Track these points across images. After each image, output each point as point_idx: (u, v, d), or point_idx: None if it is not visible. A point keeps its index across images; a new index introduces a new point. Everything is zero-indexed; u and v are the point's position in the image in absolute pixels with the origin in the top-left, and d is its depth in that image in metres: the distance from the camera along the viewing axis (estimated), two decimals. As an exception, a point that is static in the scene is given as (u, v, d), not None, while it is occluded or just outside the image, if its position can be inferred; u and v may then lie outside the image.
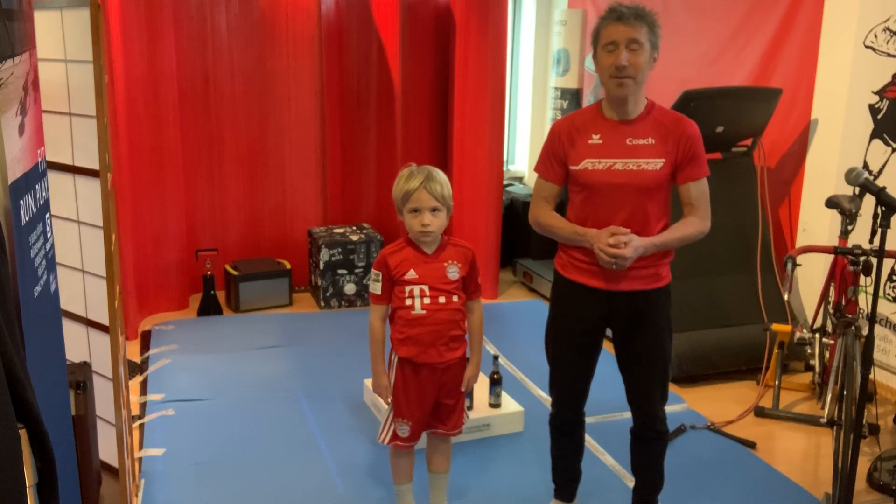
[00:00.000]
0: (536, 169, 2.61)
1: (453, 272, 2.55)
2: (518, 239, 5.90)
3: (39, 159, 1.86)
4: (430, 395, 2.62)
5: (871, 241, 2.68)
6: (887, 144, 3.83)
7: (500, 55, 5.16)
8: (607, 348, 2.69)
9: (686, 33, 4.90)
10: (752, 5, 4.50)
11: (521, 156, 6.77)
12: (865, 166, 3.94)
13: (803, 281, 4.37)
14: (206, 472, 3.16)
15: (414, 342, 2.54)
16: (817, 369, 3.81)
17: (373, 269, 2.60)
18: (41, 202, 1.85)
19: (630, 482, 3.07)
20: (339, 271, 5.14)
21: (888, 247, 2.67)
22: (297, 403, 3.78)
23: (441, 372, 2.58)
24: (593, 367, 2.68)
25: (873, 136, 3.89)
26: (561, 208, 2.57)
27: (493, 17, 5.09)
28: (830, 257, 3.76)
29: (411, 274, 2.52)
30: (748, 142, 4.39)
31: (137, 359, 4.29)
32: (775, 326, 3.94)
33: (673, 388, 3.85)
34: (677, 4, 4.97)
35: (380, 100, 5.57)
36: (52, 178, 2.45)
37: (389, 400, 2.65)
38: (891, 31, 3.75)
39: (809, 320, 4.19)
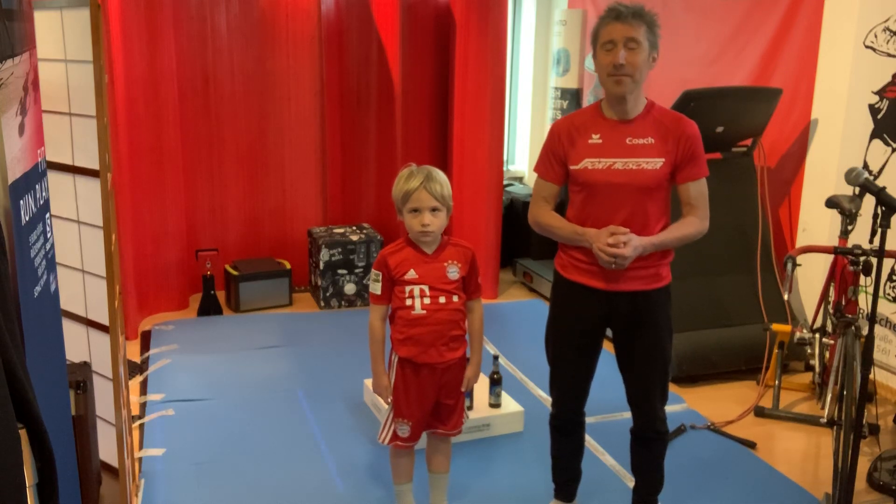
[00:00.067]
0: (536, 169, 2.61)
1: (453, 272, 2.55)
2: (518, 239, 5.90)
3: (39, 159, 1.86)
4: (430, 396, 2.62)
5: (871, 241, 2.68)
6: (887, 144, 3.83)
7: (500, 55, 5.16)
8: (607, 348, 2.69)
9: (686, 33, 4.90)
10: (752, 5, 4.50)
11: (521, 156, 6.77)
12: (865, 166, 3.94)
13: (803, 281, 4.37)
14: (206, 472, 3.16)
15: (414, 342, 2.54)
16: (817, 369, 3.81)
17: (373, 269, 2.60)
18: (41, 202, 1.85)
19: (630, 482, 3.07)
20: (339, 271, 5.14)
21: (888, 247, 2.67)
22: (297, 403, 3.78)
23: (441, 372, 2.58)
24: (593, 367, 2.68)
25: (873, 136, 3.89)
26: (561, 208, 2.57)
27: (493, 17, 5.09)
28: (830, 257, 3.76)
29: (411, 274, 2.52)
30: (748, 142, 4.39)
31: (137, 359, 4.29)
32: (775, 326, 3.94)
33: (673, 388, 3.86)
34: (677, 4, 4.97)
35: (380, 100, 5.57)
36: (52, 178, 2.45)
37: (389, 400, 2.65)
38: (891, 31, 3.75)
39: (809, 320, 4.19)
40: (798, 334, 3.85)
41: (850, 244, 3.32)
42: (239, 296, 5.03)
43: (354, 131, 5.59)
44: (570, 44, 5.80)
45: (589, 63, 5.81)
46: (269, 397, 3.83)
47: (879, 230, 2.43)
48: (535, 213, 2.61)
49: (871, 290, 3.11)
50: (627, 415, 2.73)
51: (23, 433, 1.42)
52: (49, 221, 1.95)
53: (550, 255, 3.34)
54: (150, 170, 4.80)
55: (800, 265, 3.83)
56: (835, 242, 3.76)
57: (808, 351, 3.88)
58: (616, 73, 2.37)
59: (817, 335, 3.80)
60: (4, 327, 1.34)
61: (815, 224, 4.24)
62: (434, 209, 2.48)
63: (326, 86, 5.38)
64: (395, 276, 2.54)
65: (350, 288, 5.18)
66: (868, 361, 2.51)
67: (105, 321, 2.60)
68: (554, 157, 2.54)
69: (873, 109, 3.88)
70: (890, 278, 3.88)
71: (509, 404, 3.57)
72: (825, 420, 3.35)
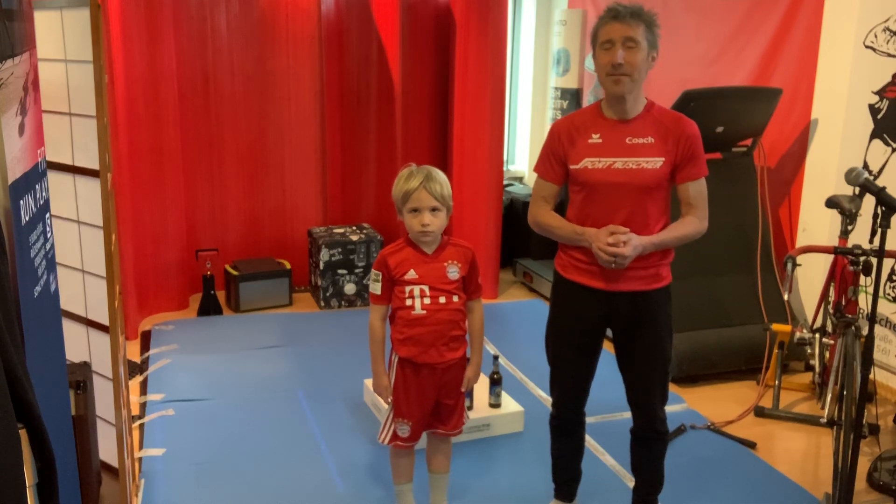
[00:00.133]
0: (536, 169, 2.61)
1: (453, 272, 2.55)
2: (518, 239, 5.90)
3: (39, 159, 1.86)
4: (430, 396, 2.62)
5: (871, 241, 2.68)
6: (887, 144, 3.83)
7: (500, 55, 5.16)
8: (607, 348, 2.69)
9: (686, 33, 4.90)
10: (752, 5, 4.50)
11: (521, 156, 6.77)
12: (865, 166, 3.94)
13: (803, 281, 4.37)
14: (206, 472, 3.16)
15: (414, 342, 2.54)
16: (817, 369, 3.81)
17: (373, 270, 2.60)
18: (41, 202, 1.85)
19: (630, 482, 3.07)
20: (339, 271, 5.14)
21: (888, 247, 2.67)
22: (297, 403, 3.78)
23: (441, 372, 2.58)
24: (593, 367, 2.68)
25: (873, 136, 3.89)
26: (561, 208, 2.57)
27: (493, 17, 5.09)
28: (830, 257, 3.76)
29: (411, 274, 2.52)
30: (748, 142, 4.39)
31: (137, 359, 4.29)
32: (775, 326, 3.94)
33: (673, 388, 3.86)
34: (677, 4, 4.97)
35: (380, 100, 5.57)
36: (52, 178, 2.45)
37: (389, 400, 2.65)
38: (891, 31, 3.75)
39: (809, 320, 4.19)
40: (798, 334, 3.84)
41: (850, 244, 3.32)
42: (239, 296, 5.03)
43: (354, 131, 5.59)
44: (570, 44, 5.80)
45: (589, 63, 5.81)
46: (269, 397, 3.83)
47: (879, 230, 2.43)
48: (534, 213, 2.61)
49: (871, 290, 3.11)
50: (627, 415, 2.73)
51: (23, 433, 1.42)
52: (49, 221, 1.95)
53: (550, 255, 3.34)
54: (150, 170, 4.80)
55: (800, 265, 3.83)
56: (835, 242, 3.76)
57: (808, 351, 3.88)
58: (614, 73, 2.37)
59: (817, 335, 3.80)
60: (4, 327, 1.34)
61: (815, 224, 4.24)
62: (434, 209, 2.48)
63: (326, 86, 5.38)
64: (395, 277, 2.54)
65: (350, 288, 5.18)
66: (868, 361, 2.51)
67: (105, 321, 2.60)
68: (554, 156, 2.54)
69: (873, 109, 3.88)
70: (890, 278, 3.88)
71: (509, 404, 3.57)
72: (825, 420, 3.35)
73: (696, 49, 4.85)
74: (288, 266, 5.24)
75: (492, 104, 5.18)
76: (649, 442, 2.70)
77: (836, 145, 4.08)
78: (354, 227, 5.41)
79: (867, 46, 3.86)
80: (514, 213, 5.95)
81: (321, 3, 5.26)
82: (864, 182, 2.57)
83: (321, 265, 5.10)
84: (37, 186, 1.81)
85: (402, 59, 5.38)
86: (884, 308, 3.90)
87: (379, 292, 2.57)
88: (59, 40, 2.47)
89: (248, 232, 5.47)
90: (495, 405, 3.52)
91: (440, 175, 2.51)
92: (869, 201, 3.02)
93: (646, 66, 2.41)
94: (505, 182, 6.07)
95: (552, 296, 2.69)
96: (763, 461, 3.34)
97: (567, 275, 2.58)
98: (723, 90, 4.22)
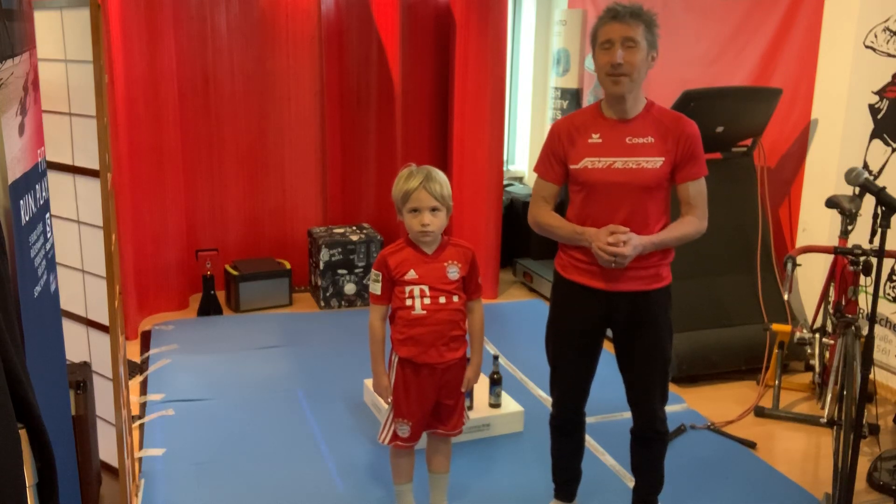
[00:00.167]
0: (536, 169, 2.61)
1: (453, 272, 2.55)
2: (518, 239, 5.90)
3: (39, 159, 1.86)
4: (430, 396, 2.62)
5: (871, 241, 2.68)
6: (887, 144, 3.83)
7: (500, 55, 5.16)
8: (607, 348, 2.69)
9: (686, 33, 4.90)
10: (752, 5, 4.50)
11: (521, 156, 6.77)
12: (865, 166, 3.94)
13: (803, 281, 4.37)
14: (206, 472, 3.16)
15: (414, 342, 2.54)
16: (817, 369, 3.81)
17: (373, 270, 2.60)
18: (41, 202, 1.85)
19: (630, 482, 3.07)
20: (339, 271, 5.14)
21: (888, 247, 2.67)
22: (297, 403, 3.78)
23: (441, 372, 2.58)
24: (594, 367, 2.68)
25: (873, 136, 3.89)
26: (561, 208, 2.57)
27: (493, 17, 5.09)
28: (830, 257, 3.76)
29: (411, 274, 2.52)
30: (748, 142, 4.39)
31: (137, 359, 4.29)
32: (775, 326, 3.94)
33: (673, 388, 3.86)
34: (677, 4, 4.97)
35: (380, 100, 5.57)
36: (52, 178, 2.45)
37: (389, 400, 2.65)
38: (891, 31, 3.75)
39: (809, 320, 4.19)
40: (798, 334, 3.85)
41: (850, 244, 3.32)
42: (239, 296, 5.03)
43: (354, 131, 5.59)
44: (570, 44, 5.80)
45: (589, 63, 5.81)
46: (269, 397, 3.83)
47: (879, 230, 2.43)
48: (534, 212, 2.61)
49: (871, 290, 3.11)
50: (627, 415, 2.73)
51: (23, 433, 1.42)
52: (49, 221, 1.95)
53: (550, 255, 3.34)
54: (150, 170, 4.80)
55: (800, 265, 3.83)
56: (835, 242, 3.76)
57: (808, 351, 3.88)
58: (614, 73, 2.37)
59: (817, 335, 3.80)
60: (4, 327, 1.34)
61: (815, 224, 4.24)
62: (434, 209, 2.48)
63: (326, 86, 5.38)
64: (395, 277, 2.54)
65: (350, 288, 5.18)
66: (868, 361, 2.51)
67: (105, 321, 2.60)
68: (554, 156, 2.54)
69: (873, 109, 3.88)
70: (890, 278, 3.88)
71: (509, 404, 3.57)
72: (825, 420, 3.35)
73: (696, 49, 4.85)
74: (288, 266, 5.24)
75: (492, 104, 5.18)
76: (649, 442, 2.70)
77: (836, 145, 4.08)
78: (354, 227, 5.41)
79: (867, 46, 3.86)
80: (514, 213, 5.95)
81: (321, 3, 5.26)
82: (864, 182, 2.58)
83: (321, 265, 5.10)
84: (37, 186, 1.81)
85: (402, 59, 5.38)
86: (884, 308, 3.90)
87: (379, 292, 2.57)
88: (59, 40, 2.47)
89: (248, 232, 5.47)
90: (495, 405, 3.52)
91: (440, 175, 2.51)
92: (869, 201, 3.02)
93: (645, 66, 2.41)
94: (505, 182, 6.07)
95: (552, 296, 2.69)
96: (763, 461, 3.34)
97: (567, 275, 2.58)
98: (723, 90, 4.22)
